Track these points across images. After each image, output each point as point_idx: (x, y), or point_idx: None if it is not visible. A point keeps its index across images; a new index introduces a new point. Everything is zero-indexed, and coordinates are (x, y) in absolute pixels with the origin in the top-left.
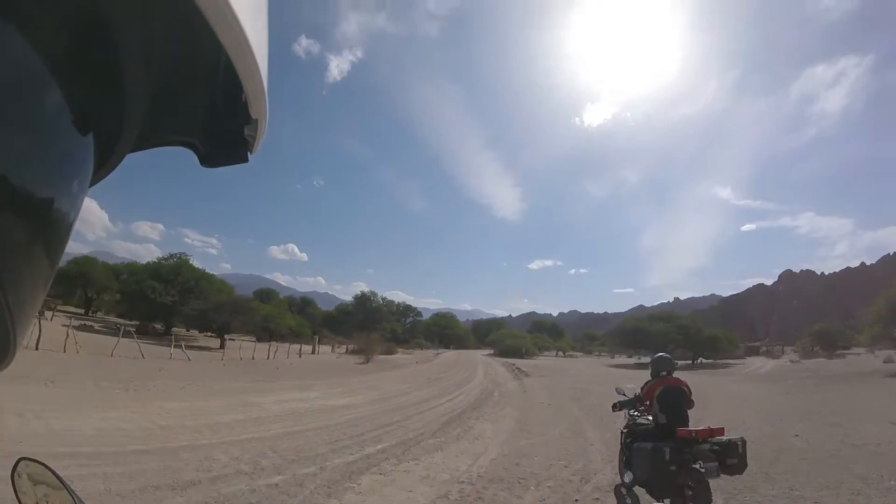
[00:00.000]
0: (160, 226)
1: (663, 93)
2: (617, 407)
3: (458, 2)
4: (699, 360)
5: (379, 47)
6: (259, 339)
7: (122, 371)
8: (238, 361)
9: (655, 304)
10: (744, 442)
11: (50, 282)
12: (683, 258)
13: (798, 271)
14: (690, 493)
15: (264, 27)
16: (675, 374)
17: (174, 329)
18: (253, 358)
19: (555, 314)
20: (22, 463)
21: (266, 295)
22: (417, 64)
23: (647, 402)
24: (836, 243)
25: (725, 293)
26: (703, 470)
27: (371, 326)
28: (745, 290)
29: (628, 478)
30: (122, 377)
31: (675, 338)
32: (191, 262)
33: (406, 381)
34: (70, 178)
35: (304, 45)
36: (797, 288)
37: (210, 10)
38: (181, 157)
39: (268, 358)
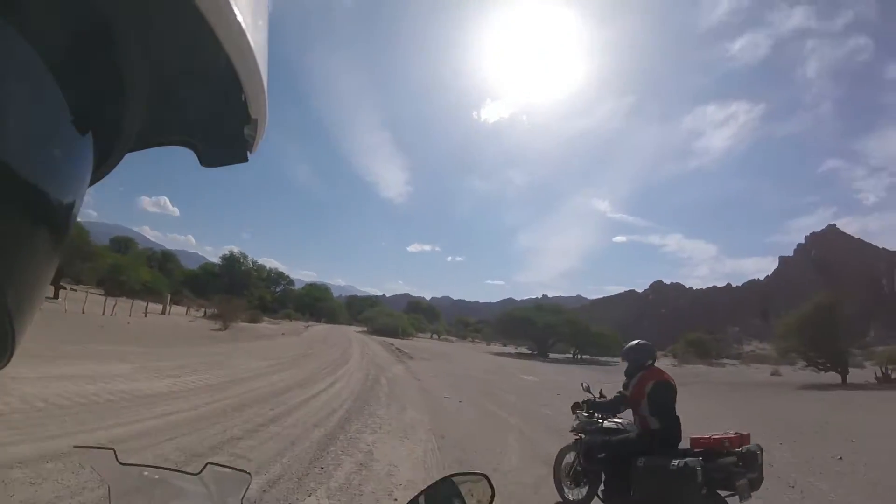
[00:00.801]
0: None
1: (561, 103)
2: (583, 409)
3: None
4: (580, 356)
5: (285, 3)
6: (109, 294)
7: None
8: (59, 315)
9: (524, 298)
10: (762, 451)
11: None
12: (555, 260)
13: (669, 283)
14: None
15: (264, 27)
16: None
17: None
18: (83, 312)
19: (428, 297)
20: None
21: (124, 244)
22: (322, 29)
23: (636, 403)
24: (698, 265)
25: (591, 296)
26: (732, 492)
27: (238, 291)
28: (616, 295)
29: (576, 495)
30: None
31: (561, 331)
32: None
33: (267, 356)
34: (69, 177)
35: None
36: (666, 298)
37: (210, 10)
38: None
39: (103, 314)
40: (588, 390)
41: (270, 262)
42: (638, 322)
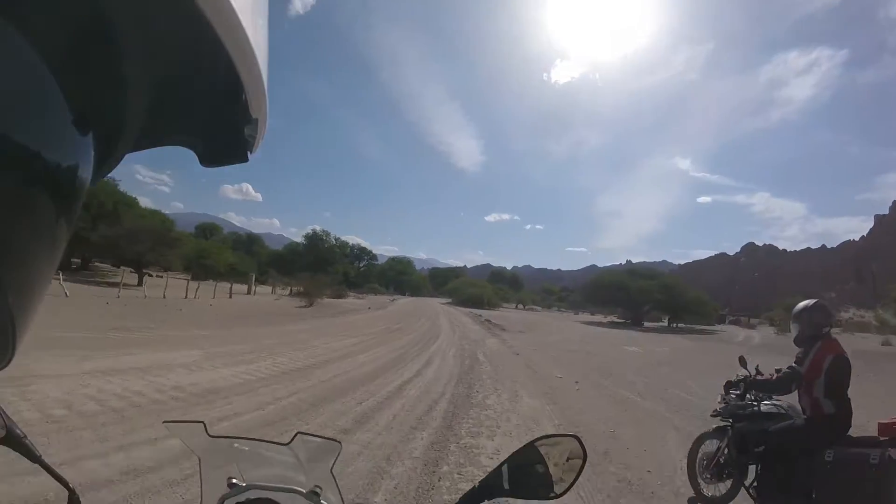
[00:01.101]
0: None
1: (634, 57)
2: (739, 388)
3: None
4: (676, 325)
5: None
6: (195, 278)
7: None
8: (140, 300)
9: (608, 264)
10: None
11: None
12: (637, 223)
13: (760, 245)
14: None
15: (264, 27)
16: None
17: (96, 264)
18: (164, 297)
19: (509, 267)
20: None
21: (209, 230)
22: (386, 2)
23: (810, 381)
24: (788, 225)
25: (677, 261)
26: None
27: (322, 268)
28: (706, 259)
29: (715, 491)
30: None
31: (656, 297)
32: (117, 186)
33: (353, 332)
34: (70, 177)
35: None
36: (758, 261)
37: (211, 10)
38: None
39: (185, 297)
40: (744, 365)
41: (353, 239)
42: (729, 286)
